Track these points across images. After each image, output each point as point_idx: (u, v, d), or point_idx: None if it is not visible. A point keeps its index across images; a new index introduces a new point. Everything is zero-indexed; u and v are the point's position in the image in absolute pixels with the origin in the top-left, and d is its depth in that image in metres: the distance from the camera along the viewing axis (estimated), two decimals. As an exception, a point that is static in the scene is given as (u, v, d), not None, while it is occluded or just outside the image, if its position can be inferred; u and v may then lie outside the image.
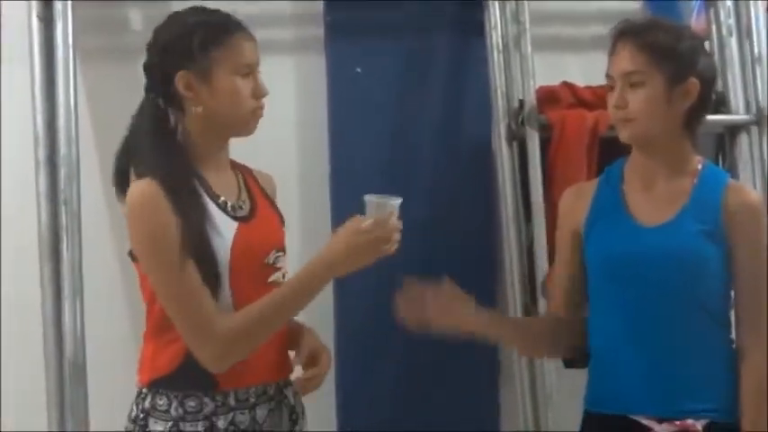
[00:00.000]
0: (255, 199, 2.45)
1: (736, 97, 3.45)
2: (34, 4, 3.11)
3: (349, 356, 3.37)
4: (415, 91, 3.41)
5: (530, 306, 3.22)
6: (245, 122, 2.38)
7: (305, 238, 3.37)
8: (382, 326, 3.33)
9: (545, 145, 3.26)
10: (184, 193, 2.27)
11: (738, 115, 3.44)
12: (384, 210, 2.31)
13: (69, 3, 3.09)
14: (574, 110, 3.31)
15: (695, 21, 3.59)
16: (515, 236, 3.26)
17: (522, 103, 3.29)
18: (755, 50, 3.47)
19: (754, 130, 3.43)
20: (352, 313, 3.39)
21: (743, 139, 3.44)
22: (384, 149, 3.39)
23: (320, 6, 3.38)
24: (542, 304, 3.15)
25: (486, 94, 3.35)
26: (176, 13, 2.40)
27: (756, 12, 3.48)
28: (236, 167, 2.49)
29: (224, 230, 2.31)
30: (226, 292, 2.30)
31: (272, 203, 2.53)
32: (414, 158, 3.40)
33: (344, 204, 3.31)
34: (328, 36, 3.37)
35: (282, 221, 2.52)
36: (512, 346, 2.70)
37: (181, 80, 2.31)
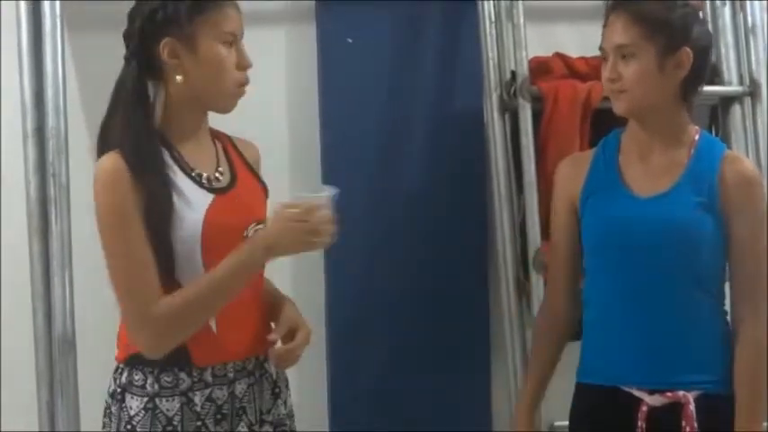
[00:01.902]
0: (235, 169, 2.43)
1: (730, 68, 3.43)
2: (22, -25, 3.08)
3: (341, 355, 3.38)
4: (406, 62, 3.39)
5: (522, 281, 3.21)
6: (228, 93, 2.34)
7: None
8: (374, 322, 3.36)
9: (537, 116, 3.24)
10: (149, 167, 2.25)
11: (732, 86, 3.42)
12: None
13: (56, -29, 3.06)
14: (566, 81, 3.29)
15: (688, -11, 3.56)
16: (507, 209, 3.24)
17: (514, 74, 3.27)
18: (749, 21, 3.44)
19: (748, 101, 3.42)
20: (343, 309, 3.38)
21: (736, 111, 3.42)
22: (375, 121, 3.38)
23: (312, -26, 3.35)
24: (535, 279, 3.13)
25: (478, 64, 3.32)
26: None
27: (750, -18, 3.46)
28: (217, 137, 2.46)
29: (196, 203, 2.28)
30: (197, 265, 2.28)
31: (255, 173, 2.50)
32: (405, 130, 3.38)
33: (336, 177, 3.31)
34: (319, 6, 3.34)
35: (266, 192, 2.49)
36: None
37: (165, 47, 2.28)
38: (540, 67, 3.32)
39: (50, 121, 3.04)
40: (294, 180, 3.39)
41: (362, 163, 3.35)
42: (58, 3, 3.04)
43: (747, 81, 3.42)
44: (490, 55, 3.30)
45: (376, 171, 3.35)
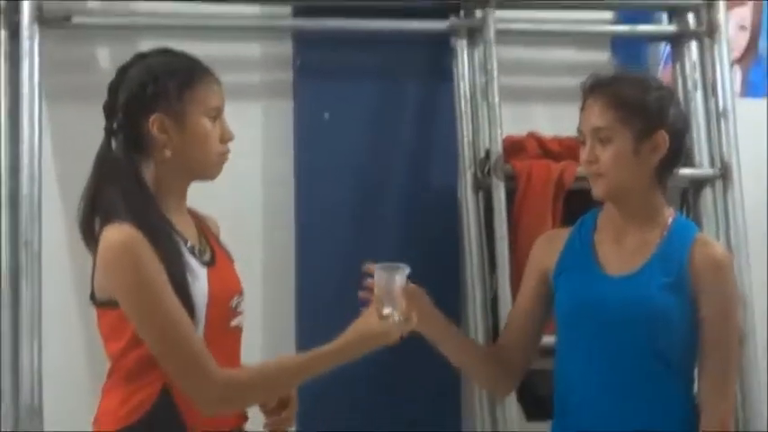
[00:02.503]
0: (211, 244, 2.42)
1: (701, 151, 3.48)
2: (1, 42, 3.09)
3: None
4: (382, 138, 3.41)
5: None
6: (212, 166, 2.35)
7: (267, 282, 3.35)
8: (342, 403, 3.33)
9: (511, 195, 3.26)
10: (163, 237, 2.24)
11: (703, 169, 3.46)
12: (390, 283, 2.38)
13: (36, 41, 3.07)
14: (540, 160, 3.31)
15: (662, 70, 3.62)
16: (480, 286, 3.25)
17: (488, 152, 3.29)
18: (720, 105, 3.49)
19: (719, 184, 3.46)
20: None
21: (707, 194, 3.46)
22: (350, 196, 3.39)
23: (290, 50, 3.37)
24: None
25: (453, 142, 3.35)
26: (143, 54, 2.37)
27: (722, 66, 3.51)
28: (191, 213, 2.45)
29: (199, 275, 2.28)
30: (200, 336, 2.25)
31: (223, 247, 2.49)
32: (380, 205, 3.40)
33: (310, 251, 3.32)
34: (297, 80, 3.37)
35: (233, 263, 2.47)
36: (445, 350, 2.71)
37: (155, 122, 2.27)
38: (513, 147, 3.34)
39: (25, 188, 3.03)
40: (267, 252, 3.39)
41: (337, 237, 3.36)
42: (36, 70, 3.05)
43: (718, 164, 3.46)
44: (465, 133, 3.33)
45: (350, 245, 3.35)
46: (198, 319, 2.25)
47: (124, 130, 2.30)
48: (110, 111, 2.33)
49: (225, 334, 2.31)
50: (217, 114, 2.35)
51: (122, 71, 2.34)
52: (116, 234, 2.20)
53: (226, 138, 2.36)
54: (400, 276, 2.39)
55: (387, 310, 2.36)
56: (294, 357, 2.38)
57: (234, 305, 2.36)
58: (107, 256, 2.21)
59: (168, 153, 2.29)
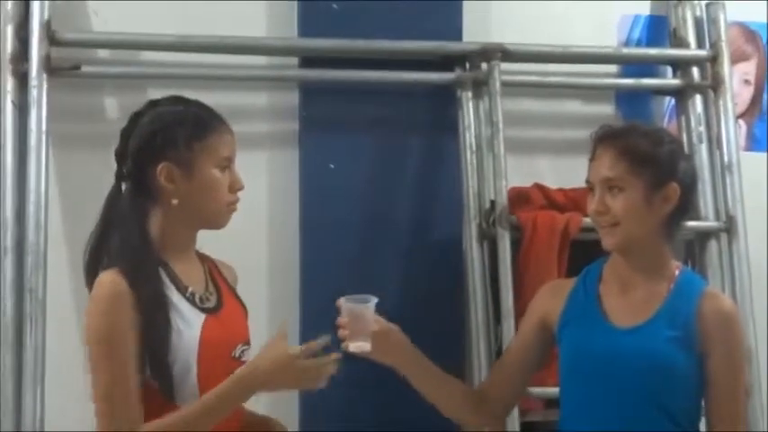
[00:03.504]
0: (221, 290, 2.43)
1: (706, 204, 3.49)
2: (9, 90, 3.11)
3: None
4: (387, 188, 3.41)
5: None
6: (221, 215, 2.37)
7: (273, 330, 3.34)
8: None
9: (516, 246, 3.26)
10: (150, 286, 2.25)
11: (708, 222, 3.46)
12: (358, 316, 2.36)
13: (45, 90, 3.09)
14: (545, 211, 3.32)
15: (667, 123, 3.64)
16: (484, 337, 3.25)
17: (493, 203, 3.30)
18: (725, 158, 3.51)
19: (724, 237, 3.46)
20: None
21: (712, 246, 3.46)
22: (355, 246, 3.38)
23: (296, 100, 3.39)
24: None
25: (458, 192, 3.36)
26: (156, 101, 2.40)
27: (727, 120, 3.53)
28: (201, 258, 2.47)
29: (192, 322, 2.28)
30: (193, 385, 2.26)
31: (236, 295, 2.50)
32: (385, 255, 3.39)
33: (314, 300, 3.31)
34: (303, 130, 3.38)
35: (246, 313, 2.49)
36: (421, 386, 2.69)
37: (163, 171, 2.30)
38: (519, 197, 3.36)
39: (30, 236, 3.03)
40: (273, 301, 3.38)
41: (342, 287, 3.31)
42: (44, 119, 3.07)
43: (723, 217, 3.47)
44: (470, 183, 3.34)
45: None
46: (186, 365, 2.25)
47: (133, 176, 2.33)
48: (120, 156, 2.36)
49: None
50: (227, 164, 2.37)
51: (135, 118, 2.37)
52: (99, 281, 2.25)
53: (236, 187, 2.38)
54: (369, 308, 2.37)
55: (357, 344, 2.35)
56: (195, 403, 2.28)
57: (236, 354, 2.36)
58: (89, 302, 2.26)
59: (175, 202, 2.31)
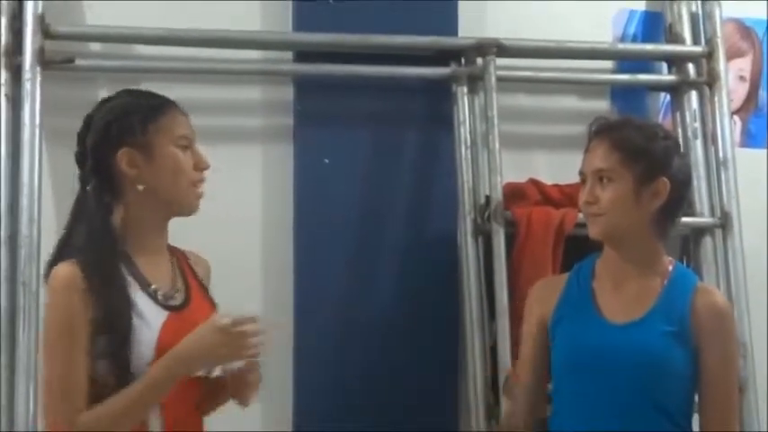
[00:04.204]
0: (190, 287, 2.41)
1: (701, 200, 3.49)
2: (2, 84, 3.10)
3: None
4: (381, 183, 3.40)
5: (492, 407, 3.19)
6: (186, 196, 2.35)
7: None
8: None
9: (511, 241, 3.25)
10: (107, 281, 2.24)
11: (703, 218, 3.46)
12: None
13: (38, 83, 3.08)
14: (540, 207, 3.32)
15: (662, 119, 3.64)
16: (479, 333, 3.24)
17: (488, 198, 3.29)
18: (720, 154, 3.51)
19: (719, 233, 3.47)
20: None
21: (707, 242, 3.46)
22: (349, 241, 3.37)
23: (291, 95, 3.38)
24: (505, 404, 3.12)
25: (452, 187, 3.35)
26: (106, 98, 2.43)
27: (722, 116, 3.53)
28: (174, 252, 2.45)
29: (151, 320, 2.26)
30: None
31: (206, 291, 2.48)
32: (379, 251, 3.38)
33: (308, 297, 3.31)
34: (298, 125, 3.37)
35: (215, 311, 2.43)
36: None
37: (123, 157, 2.30)
38: (514, 193, 3.35)
39: (23, 229, 3.02)
40: (265, 296, 3.37)
41: (335, 282, 3.35)
42: (38, 112, 3.05)
43: (718, 213, 3.47)
44: (465, 179, 3.34)
45: (349, 291, 3.34)
46: (141, 365, 2.23)
47: (95, 172, 2.33)
48: (81, 158, 2.37)
49: (188, 383, 2.28)
50: (188, 144, 2.36)
51: (88, 119, 2.39)
52: (56, 272, 2.26)
53: (200, 165, 2.36)
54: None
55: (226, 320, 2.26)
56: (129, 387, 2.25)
57: None
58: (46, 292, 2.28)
59: (141, 187, 2.30)
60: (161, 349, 2.24)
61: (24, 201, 3.03)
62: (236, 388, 2.39)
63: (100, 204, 2.31)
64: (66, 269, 2.24)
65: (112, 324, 2.21)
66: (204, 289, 2.47)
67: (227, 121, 3.33)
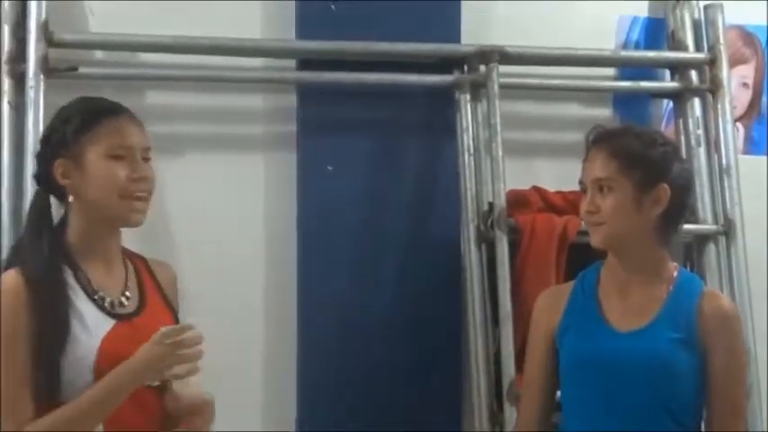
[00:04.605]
0: (146, 294, 2.36)
1: (704, 207, 3.49)
2: (6, 91, 3.10)
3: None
4: (385, 190, 3.40)
5: (496, 413, 3.19)
6: (117, 208, 2.27)
7: (268, 335, 3.34)
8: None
9: (514, 248, 3.25)
10: (47, 287, 2.22)
11: (706, 225, 3.46)
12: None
13: (42, 91, 3.08)
14: (543, 214, 3.32)
15: (664, 129, 3.64)
16: (482, 339, 3.24)
17: (491, 205, 3.29)
18: (723, 161, 3.51)
19: (722, 240, 3.47)
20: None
21: (710, 249, 3.47)
22: (353, 249, 3.37)
23: (294, 102, 3.38)
24: (509, 410, 3.11)
25: (456, 195, 3.35)
26: (64, 106, 2.39)
27: (725, 123, 3.53)
28: (132, 259, 2.40)
29: (94, 328, 2.22)
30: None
31: (166, 299, 2.42)
32: (382, 258, 3.38)
33: (311, 307, 3.31)
34: (301, 132, 3.37)
35: (176, 319, 2.39)
36: None
37: (58, 168, 2.27)
38: (517, 200, 3.35)
39: (27, 237, 3.02)
40: (270, 304, 3.37)
41: (339, 289, 3.35)
42: (41, 120, 3.05)
43: (721, 220, 3.47)
44: (468, 186, 3.34)
45: (352, 297, 3.34)
46: (80, 372, 2.20)
47: (38, 181, 2.34)
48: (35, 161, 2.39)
49: (135, 393, 2.22)
50: (125, 153, 2.27)
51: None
52: (2, 279, 2.24)
53: (134, 176, 2.27)
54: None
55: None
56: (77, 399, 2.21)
57: None
58: None
59: (71, 199, 2.29)
60: (104, 356, 2.21)
61: (28, 208, 3.02)
62: (189, 420, 2.31)
63: (43, 212, 2.31)
64: (9, 277, 2.23)
65: (51, 330, 2.18)
66: (163, 296, 2.41)
67: (230, 128, 3.33)
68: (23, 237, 2.34)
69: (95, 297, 2.27)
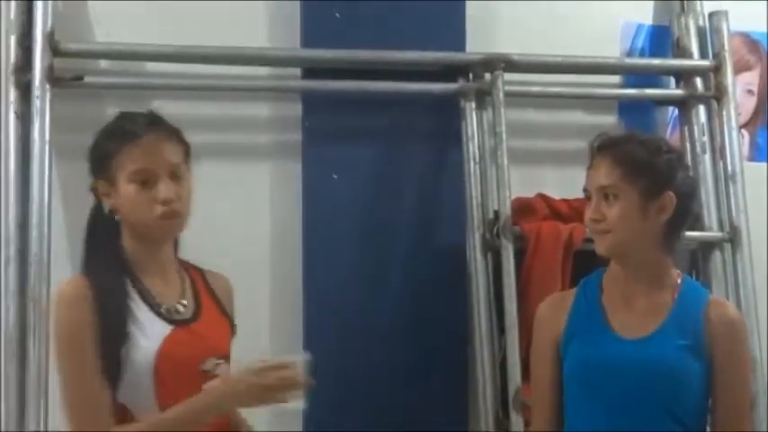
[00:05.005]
0: (201, 302, 2.43)
1: (710, 215, 3.49)
2: (12, 101, 3.11)
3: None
4: (390, 199, 3.40)
5: (501, 420, 3.19)
6: (152, 227, 2.35)
7: (274, 343, 3.34)
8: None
9: (520, 256, 3.25)
10: (108, 292, 2.28)
11: (712, 232, 3.46)
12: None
13: (47, 100, 3.08)
14: (549, 222, 3.32)
15: (670, 136, 3.64)
16: (488, 347, 3.24)
17: (497, 213, 3.29)
18: (729, 168, 3.51)
19: (728, 247, 3.46)
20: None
21: (716, 257, 3.46)
22: (358, 257, 3.37)
23: (299, 111, 3.38)
24: (515, 419, 3.11)
25: (461, 203, 3.35)
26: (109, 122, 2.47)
27: (730, 130, 3.53)
28: (187, 269, 2.47)
29: (152, 334, 2.29)
30: (149, 393, 2.28)
31: (222, 307, 2.50)
32: (388, 266, 3.38)
33: (317, 313, 3.31)
34: (306, 141, 3.37)
35: (232, 327, 2.49)
36: None
37: (97, 188, 2.38)
38: (522, 208, 3.35)
39: (33, 246, 3.02)
40: (275, 312, 3.37)
41: (345, 298, 3.35)
42: (47, 129, 3.06)
43: (727, 227, 3.47)
44: (473, 194, 3.34)
45: (358, 306, 3.34)
46: (138, 377, 2.26)
47: (93, 190, 2.42)
48: None
49: (191, 395, 2.29)
50: (148, 177, 2.34)
51: None
52: (60, 285, 2.33)
53: (159, 199, 2.33)
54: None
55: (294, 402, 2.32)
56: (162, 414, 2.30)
57: (207, 368, 2.35)
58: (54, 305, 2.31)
59: (117, 217, 2.37)
60: (163, 359, 2.27)
61: (34, 218, 3.03)
62: None
63: (103, 221, 2.38)
64: (72, 281, 2.30)
65: (111, 333, 2.24)
66: (219, 305, 2.49)
67: (235, 137, 3.33)
68: (83, 244, 2.40)
69: (153, 304, 2.33)
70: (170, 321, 2.33)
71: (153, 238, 2.38)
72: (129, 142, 2.35)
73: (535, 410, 2.68)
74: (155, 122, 2.40)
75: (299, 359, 2.32)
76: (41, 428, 2.98)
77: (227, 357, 2.41)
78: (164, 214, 2.33)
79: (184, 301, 2.39)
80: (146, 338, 2.27)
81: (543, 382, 2.63)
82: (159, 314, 2.33)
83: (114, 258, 2.34)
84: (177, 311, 2.36)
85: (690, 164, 3.44)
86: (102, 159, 2.36)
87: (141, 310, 2.31)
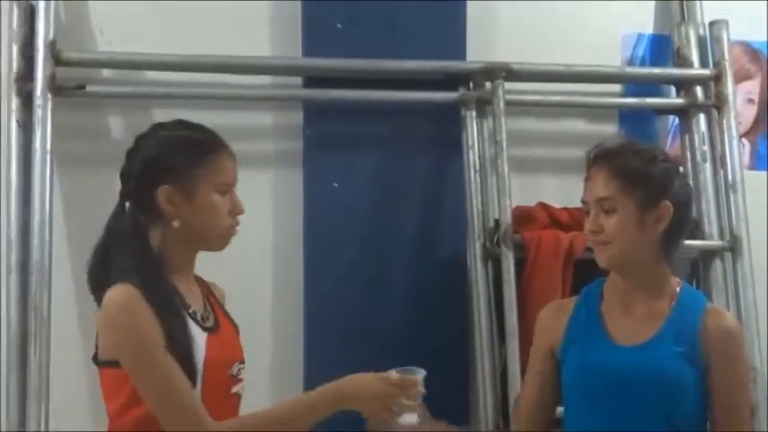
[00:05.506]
0: (215, 311, 2.44)
1: (710, 223, 3.49)
2: (14, 110, 3.12)
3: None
4: (391, 207, 3.41)
5: (501, 429, 3.19)
6: (220, 239, 2.38)
7: (276, 351, 3.35)
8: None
9: (520, 265, 3.26)
10: (165, 299, 2.26)
11: (712, 241, 3.46)
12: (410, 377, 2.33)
13: (49, 109, 3.09)
14: (549, 230, 3.32)
15: (670, 145, 3.64)
16: (488, 356, 3.24)
17: (497, 222, 3.30)
18: (729, 177, 3.51)
19: (728, 256, 3.46)
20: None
21: (717, 266, 3.46)
22: (359, 265, 3.38)
23: (300, 119, 3.39)
24: (514, 427, 3.10)
25: (462, 211, 3.36)
26: (161, 125, 2.42)
27: (730, 139, 3.54)
28: (196, 279, 2.48)
29: (198, 340, 2.29)
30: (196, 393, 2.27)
31: (228, 314, 2.51)
32: (389, 275, 3.39)
33: (318, 321, 3.31)
34: (307, 150, 3.38)
35: (238, 332, 2.49)
36: None
37: (163, 194, 2.31)
38: (523, 217, 3.36)
39: (35, 255, 3.03)
40: (277, 320, 3.38)
41: (346, 306, 3.35)
42: (48, 138, 3.07)
43: (728, 236, 3.47)
44: (474, 203, 3.35)
45: (359, 315, 3.35)
46: (196, 382, 2.26)
47: (135, 196, 2.34)
48: (124, 176, 2.37)
49: (224, 399, 2.33)
50: (227, 189, 2.38)
51: (139, 140, 2.39)
52: (116, 294, 2.24)
53: (236, 211, 2.39)
54: (419, 380, 2.35)
55: (409, 417, 2.33)
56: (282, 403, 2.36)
57: (234, 372, 2.37)
58: (107, 315, 2.25)
59: (176, 224, 2.32)
60: (208, 367, 2.28)
61: (35, 227, 3.05)
62: None
63: (138, 227, 2.33)
64: (125, 289, 2.24)
65: (177, 338, 2.23)
66: (226, 312, 2.50)
67: (236, 146, 3.27)
68: (120, 250, 2.33)
69: (190, 311, 2.33)
70: (203, 328, 2.34)
71: (209, 247, 2.39)
72: (216, 153, 2.36)
73: (517, 409, 2.72)
74: (216, 135, 2.42)
75: (420, 376, 2.34)
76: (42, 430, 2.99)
77: (244, 361, 2.42)
78: (235, 226, 2.38)
79: (208, 309, 2.41)
80: (194, 344, 2.28)
81: (533, 382, 2.65)
82: (196, 321, 2.33)
83: (154, 263, 2.31)
84: (206, 319, 2.37)
85: (690, 173, 3.47)
86: (182, 166, 2.31)
87: (185, 316, 2.32)
